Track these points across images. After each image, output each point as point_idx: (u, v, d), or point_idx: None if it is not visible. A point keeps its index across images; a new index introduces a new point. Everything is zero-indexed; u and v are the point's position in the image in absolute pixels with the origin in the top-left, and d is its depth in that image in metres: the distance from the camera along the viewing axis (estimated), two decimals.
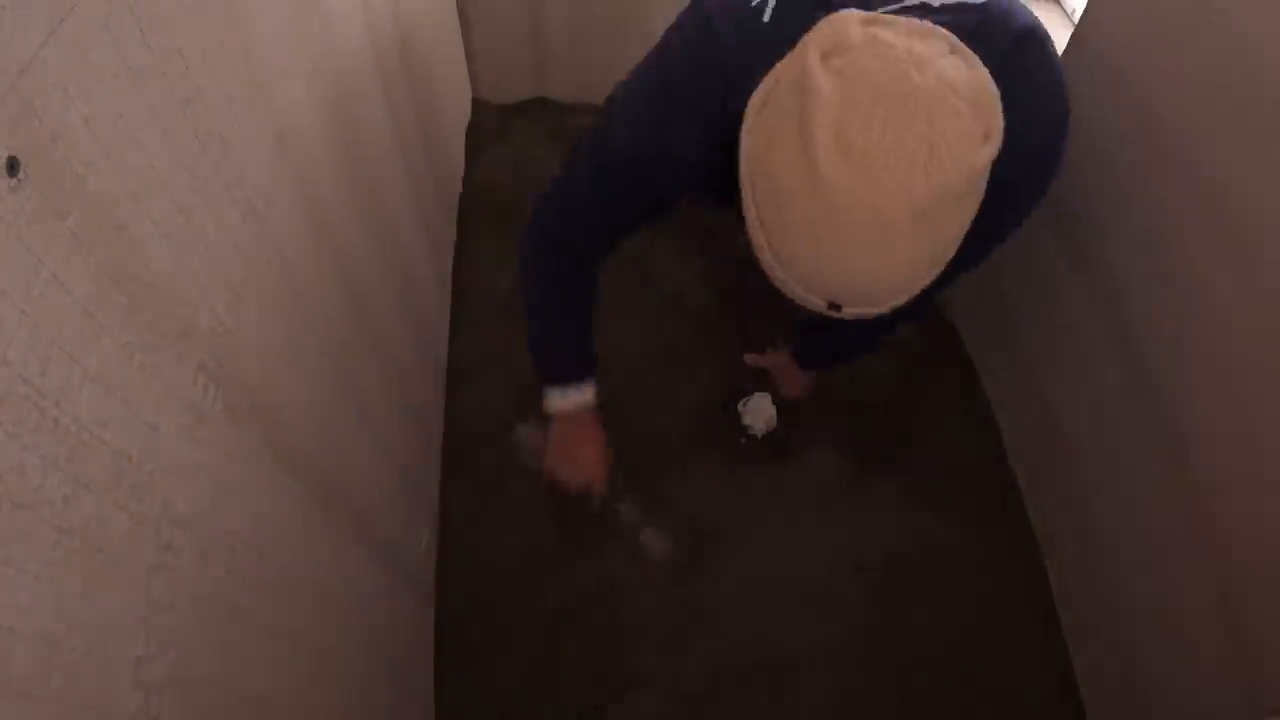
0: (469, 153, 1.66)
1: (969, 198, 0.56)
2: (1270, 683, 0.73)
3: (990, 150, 0.55)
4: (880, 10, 0.61)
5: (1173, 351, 0.86)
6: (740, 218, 0.73)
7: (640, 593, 1.10)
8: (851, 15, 0.55)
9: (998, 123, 0.55)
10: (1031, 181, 0.75)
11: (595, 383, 1.01)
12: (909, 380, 1.35)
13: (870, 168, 0.52)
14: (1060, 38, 1.10)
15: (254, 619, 0.51)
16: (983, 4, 0.66)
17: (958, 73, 0.54)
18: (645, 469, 1.22)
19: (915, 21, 0.56)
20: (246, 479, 0.51)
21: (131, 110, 0.40)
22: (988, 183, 0.59)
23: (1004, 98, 0.58)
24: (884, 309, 0.62)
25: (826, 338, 1.11)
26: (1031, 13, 0.72)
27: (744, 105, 0.62)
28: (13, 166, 0.30)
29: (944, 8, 0.65)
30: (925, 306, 0.88)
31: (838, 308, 0.63)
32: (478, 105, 1.76)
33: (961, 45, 0.56)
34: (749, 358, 1.29)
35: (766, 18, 0.65)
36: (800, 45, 0.57)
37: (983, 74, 0.55)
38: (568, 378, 1.00)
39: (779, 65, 0.59)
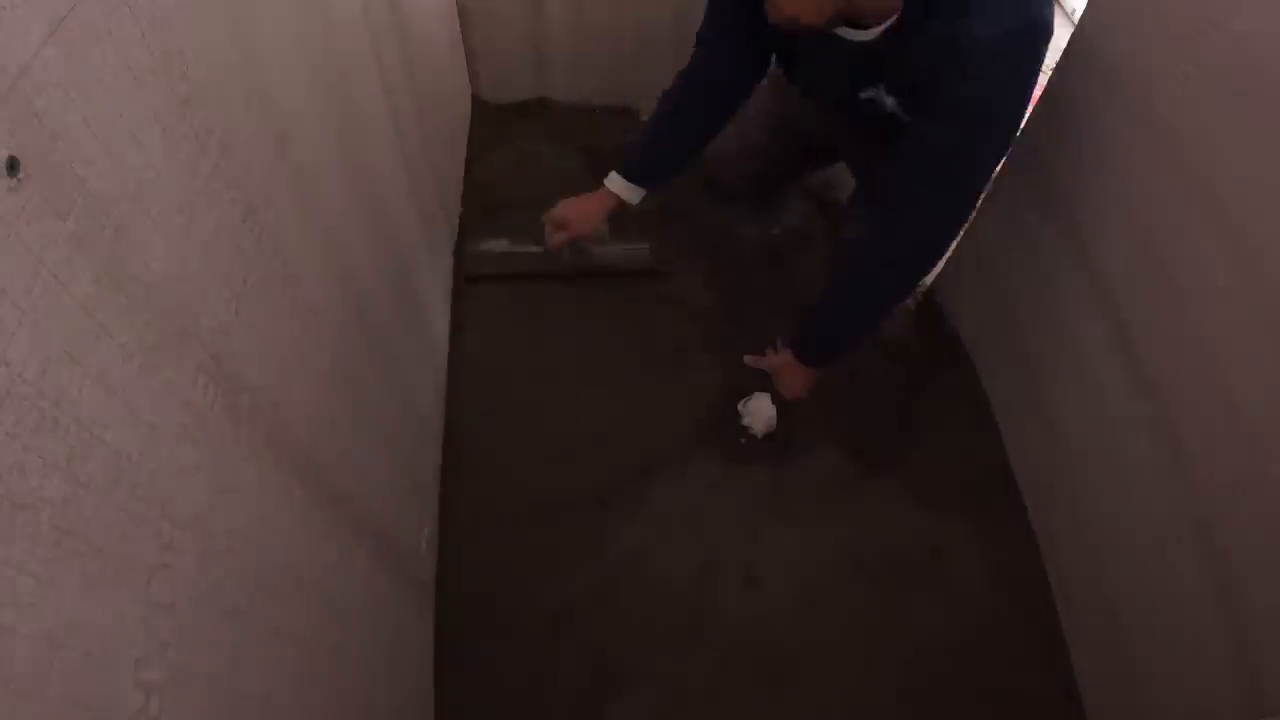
0: (469, 153, 1.66)
1: None
2: (1270, 683, 0.73)
3: None
4: None
5: (1172, 351, 0.86)
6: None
7: (640, 593, 1.10)
8: None
9: None
10: (977, 68, 0.85)
11: (645, 195, 1.22)
12: (909, 380, 1.35)
13: None
14: (1060, 38, 1.10)
15: (254, 619, 0.51)
16: None
17: None
18: (645, 468, 1.22)
19: None
20: (246, 479, 0.51)
21: (131, 110, 0.40)
22: (947, 52, 0.83)
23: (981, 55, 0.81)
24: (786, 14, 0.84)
25: (824, 320, 1.15)
26: None
27: None
28: (13, 166, 0.30)
29: None
30: (905, 269, 1.03)
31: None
32: (478, 105, 1.76)
33: None
34: (749, 359, 1.30)
35: None
36: None
37: None
38: (631, 170, 1.20)
39: None
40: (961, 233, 1.02)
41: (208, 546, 0.45)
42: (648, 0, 1.55)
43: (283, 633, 0.55)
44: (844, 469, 1.24)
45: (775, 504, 1.19)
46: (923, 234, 0.99)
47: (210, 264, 0.48)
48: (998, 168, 0.96)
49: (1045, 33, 0.84)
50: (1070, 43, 1.02)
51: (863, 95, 1.00)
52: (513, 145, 1.70)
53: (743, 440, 1.25)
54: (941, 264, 1.44)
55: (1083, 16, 1.01)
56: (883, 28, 0.91)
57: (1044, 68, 1.19)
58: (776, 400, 1.26)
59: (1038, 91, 1.13)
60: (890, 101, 0.98)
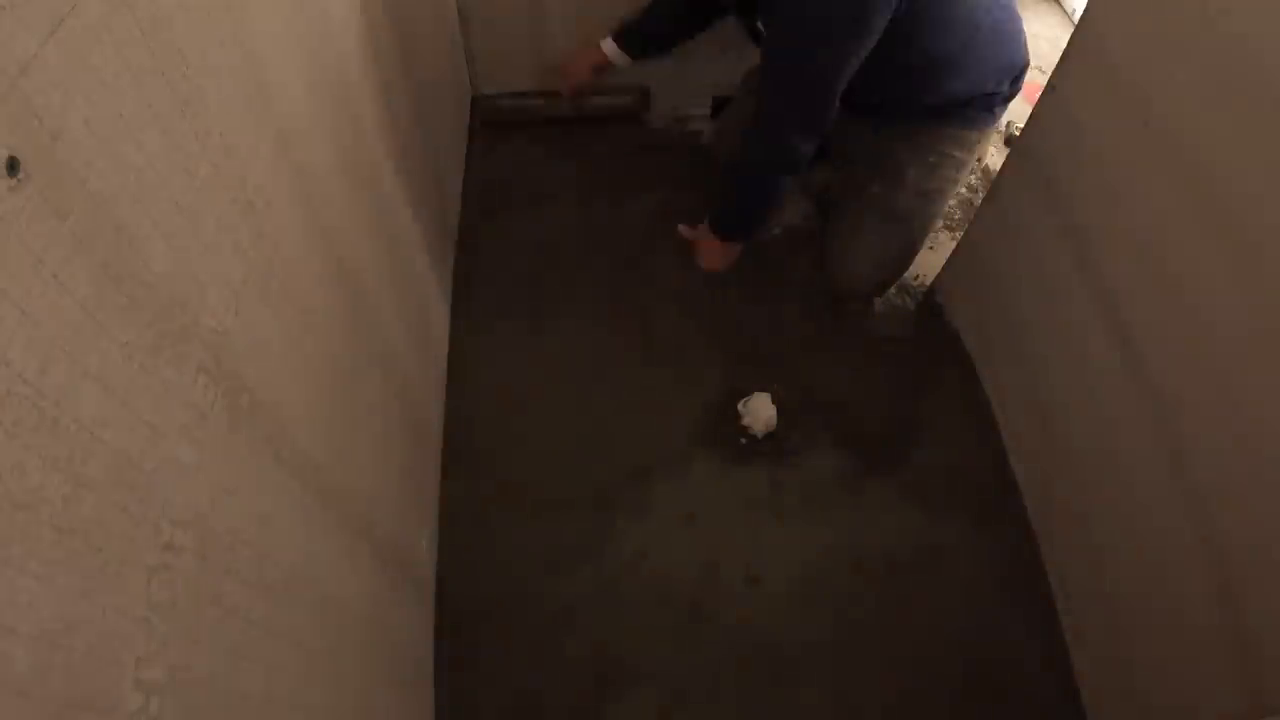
0: (469, 152, 1.66)
1: None
2: (1270, 682, 0.73)
3: None
4: None
5: (1172, 352, 0.86)
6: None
7: (641, 592, 1.10)
8: None
9: None
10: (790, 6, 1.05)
11: (629, 58, 1.48)
12: (909, 380, 1.35)
13: None
14: (1060, 38, 1.10)
15: (254, 619, 0.51)
16: None
17: None
18: (645, 469, 1.22)
19: None
20: (246, 479, 0.51)
21: (131, 110, 0.40)
22: None
23: None
24: None
25: (718, 189, 1.37)
26: None
27: None
28: (13, 166, 0.30)
29: None
30: (767, 145, 1.21)
31: None
32: (477, 102, 1.76)
33: None
34: (682, 228, 1.48)
35: None
36: None
37: None
38: (629, 39, 1.46)
39: None
40: (807, 111, 1.16)
41: (208, 546, 0.45)
42: (647, 1, 1.54)
43: (283, 633, 0.55)
44: (844, 469, 1.24)
45: (775, 504, 1.19)
46: (772, 115, 1.18)
47: (210, 264, 0.48)
48: (830, 61, 1.09)
49: None
50: (1070, 43, 1.02)
51: (759, 27, 1.21)
52: (513, 145, 1.70)
53: (743, 440, 1.25)
54: (942, 264, 1.44)
55: (1083, 16, 1.01)
56: None
57: (1044, 67, 1.20)
58: (776, 400, 1.26)
59: (1037, 92, 1.13)
60: (762, 29, 1.19)
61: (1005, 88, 1.25)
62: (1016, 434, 1.25)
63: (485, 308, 1.41)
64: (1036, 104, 1.12)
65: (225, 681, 0.47)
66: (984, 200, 1.32)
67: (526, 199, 1.59)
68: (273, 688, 0.53)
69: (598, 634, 1.06)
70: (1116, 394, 0.96)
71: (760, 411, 1.25)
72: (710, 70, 1.65)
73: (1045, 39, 1.33)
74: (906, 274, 1.46)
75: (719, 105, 1.72)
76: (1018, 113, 1.50)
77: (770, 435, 1.25)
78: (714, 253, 1.43)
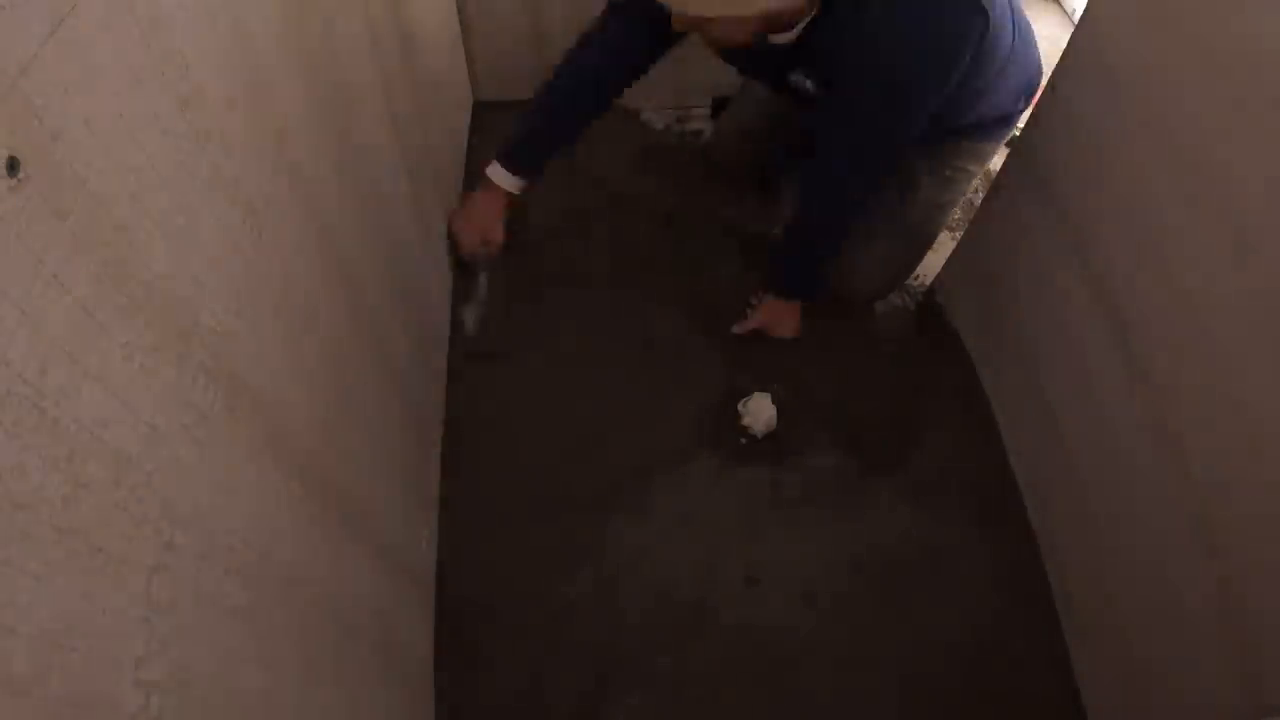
0: (469, 154, 1.66)
1: None
2: (1270, 682, 0.73)
3: None
4: None
5: (1172, 351, 0.86)
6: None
7: (640, 593, 1.10)
8: None
9: None
10: (874, 74, 0.99)
11: (527, 185, 1.24)
12: (909, 380, 1.35)
13: None
14: (1060, 37, 1.10)
15: (254, 619, 0.51)
16: None
17: None
18: (645, 469, 1.22)
19: None
20: (246, 479, 0.51)
21: (131, 110, 0.40)
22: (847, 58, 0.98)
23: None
24: (700, 6, 0.92)
25: (790, 254, 1.28)
26: None
27: None
28: (13, 166, 0.30)
29: None
30: (847, 182, 1.14)
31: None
32: (478, 106, 1.76)
33: None
34: (737, 327, 1.36)
35: None
36: None
37: None
38: (515, 161, 1.21)
39: None
40: (881, 170, 1.13)
41: (208, 546, 0.45)
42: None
43: (283, 633, 0.55)
44: (844, 469, 1.24)
45: (775, 504, 1.19)
46: (849, 181, 1.13)
47: (210, 264, 0.48)
48: (904, 126, 1.05)
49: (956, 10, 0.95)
50: (1070, 43, 1.02)
51: (791, 79, 1.13)
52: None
53: (743, 440, 1.25)
54: (942, 264, 1.44)
55: (1083, 16, 1.01)
56: (799, 27, 1.02)
57: (1043, 67, 1.20)
58: (776, 400, 1.26)
59: (1038, 92, 1.13)
60: (809, 84, 1.11)
61: (1023, 104, 1.24)
62: (1016, 434, 1.25)
63: (485, 307, 1.41)
64: (1036, 104, 1.12)
65: (225, 681, 0.47)
66: (984, 200, 1.32)
67: (527, 199, 1.59)
68: (273, 688, 0.53)
69: (598, 634, 1.06)
70: (1116, 394, 0.96)
71: (760, 411, 1.25)
72: (710, 70, 1.65)
73: (1045, 39, 1.33)
74: None
75: (719, 105, 1.72)
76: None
77: (770, 435, 1.25)
78: (791, 315, 1.34)
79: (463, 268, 1.35)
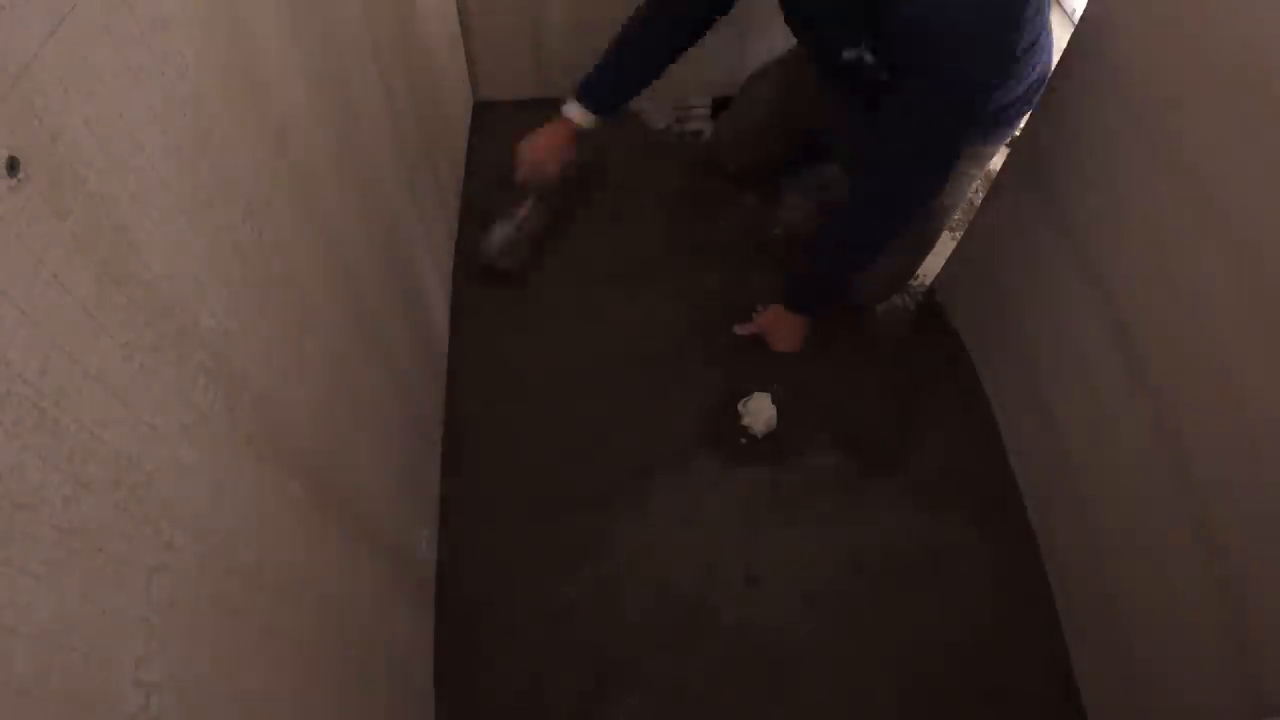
0: (469, 153, 1.66)
1: None
2: (1270, 682, 0.73)
3: None
4: None
5: (1173, 351, 0.86)
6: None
7: (640, 592, 1.10)
8: None
9: None
10: (941, 46, 0.91)
11: (601, 122, 1.27)
12: (909, 380, 1.35)
13: None
14: (1060, 38, 1.10)
15: (254, 619, 0.51)
16: None
17: None
18: (646, 469, 1.22)
19: None
20: (246, 479, 0.51)
21: (131, 110, 0.40)
22: (905, 31, 0.89)
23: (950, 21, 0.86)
24: None
25: (813, 262, 1.22)
26: None
27: None
28: (13, 166, 0.30)
29: None
30: (884, 209, 1.09)
31: None
32: (478, 106, 1.76)
33: None
34: (739, 328, 1.35)
35: None
36: None
37: None
38: (590, 96, 1.25)
39: None
40: (940, 181, 1.06)
41: (208, 546, 0.45)
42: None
43: (283, 633, 0.55)
44: (844, 469, 1.24)
45: (775, 504, 1.19)
46: (899, 175, 1.06)
47: (210, 264, 0.48)
48: (967, 123, 1.00)
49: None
50: (1070, 43, 1.02)
51: (846, 56, 1.06)
52: (513, 145, 1.70)
53: (743, 440, 1.25)
54: (942, 264, 1.44)
55: (1083, 16, 1.01)
56: None
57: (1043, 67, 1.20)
58: (776, 400, 1.26)
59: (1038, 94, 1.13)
60: (869, 57, 1.04)
61: (1027, 106, 1.21)
62: (1016, 434, 1.25)
63: (485, 308, 1.41)
64: (1036, 104, 1.12)
65: (225, 681, 0.47)
66: (984, 200, 1.32)
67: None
68: (273, 688, 0.53)
69: (598, 634, 1.06)
70: (1116, 394, 0.96)
71: (760, 411, 1.25)
72: (710, 70, 1.65)
73: None
74: None
75: (719, 105, 1.72)
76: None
77: (770, 435, 1.25)
78: (795, 330, 1.30)
79: (515, 189, 1.36)
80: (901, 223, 1.11)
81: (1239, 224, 0.75)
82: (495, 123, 1.74)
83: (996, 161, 1.38)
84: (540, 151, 1.30)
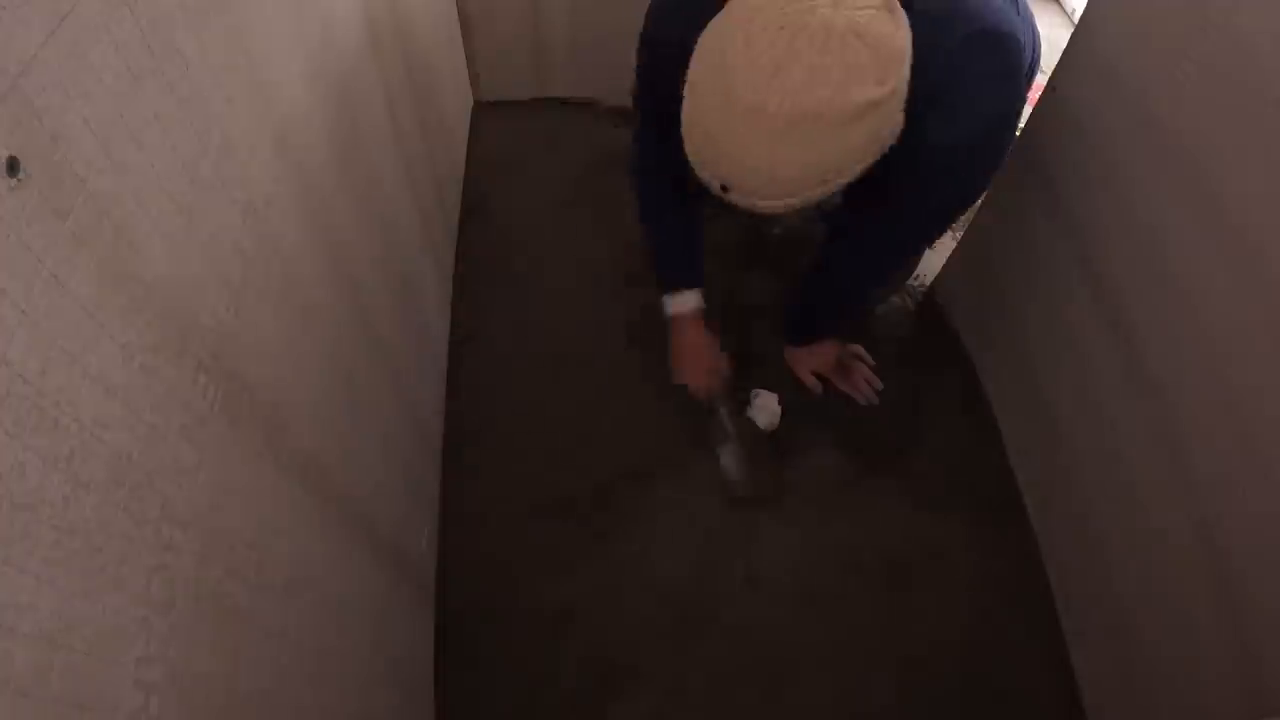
0: (469, 153, 1.66)
1: (850, 127, 0.67)
2: (1270, 682, 0.73)
3: (879, 92, 0.66)
4: None
5: (1173, 351, 0.86)
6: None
7: (640, 593, 1.10)
8: None
9: (897, 73, 0.66)
10: (965, 161, 0.87)
11: (700, 291, 1.19)
12: (909, 380, 1.35)
13: (761, 73, 0.64)
14: (1060, 38, 1.10)
15: (254, 619, 0.51)
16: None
17: (874, 24, 0.65)
18: (645, 469, 1.22)
19: None
20: (246, 479, 0.51)
21: (131, 110, 0.40)
22: (930, 154, 0.79)
23: (945, 85, 0.75)
24: (770, 203, 0.74)
25: (804, 305, 1.23)
26: (1007, 17, 0.80)
27: None
28: (13, 166, 0.30)
29: None
30: (884, 265, 1.11)
31: (726, 190, 0.75)
32: (478, 106, 1.76)
33: (898, 6, 0.67)
34: (814, 388, 1.30)
35: None
36: None
37: (901, 32, 0.66)
38: (674, 284, 1.19)
39: None
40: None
41: (208, 546, 0.45)
42: (647, 1, 1.55)
43: (283, 633, 0.55)
44: (844, 469, 1.24)
45: (775, 504, 1.19)
46: (921, 233, 1.06)
47: (210, 264, 0.48)
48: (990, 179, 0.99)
49: (1008, 51, 0.80)
50: (1070, 43, 1.02)
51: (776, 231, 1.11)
52: (513, 145, 1.70)
53: None
54: (942, 264, 1.44)
55: (1083, 16, 1.01)
56: None
57: (1044, 67, 1.20)
58: (778, 400, 1.26)
59: (1036, 93, 1.13)
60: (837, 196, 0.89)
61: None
62: (1016, 434, 1.25)
63: (485, 308, 1.41)
64: (1036, 104, 1.12)
65: (225, 681, 0.47)
66: (984, 200, 1.32)
67: (528, 200, 1.59)
68: (273, 688, 0.53)
69: (598, 634, 1.06)
70: (1116, 394, 0.96)
71: (761, 411, 1.25)
72: None
73: (1045, 39, 1.33)
74: None
75: None
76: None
77: (771, 435, 1.25)
78: (829, 355, 1.28)
79: (706, 413, 1.25)
80: (914, 252, 1.13)
81: (1239, 222, 0.75)
82: (495, 123, 1.74)
83: None
84: (700, 364, 1.22)
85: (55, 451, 0.33)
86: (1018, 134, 1.12)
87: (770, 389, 1.27)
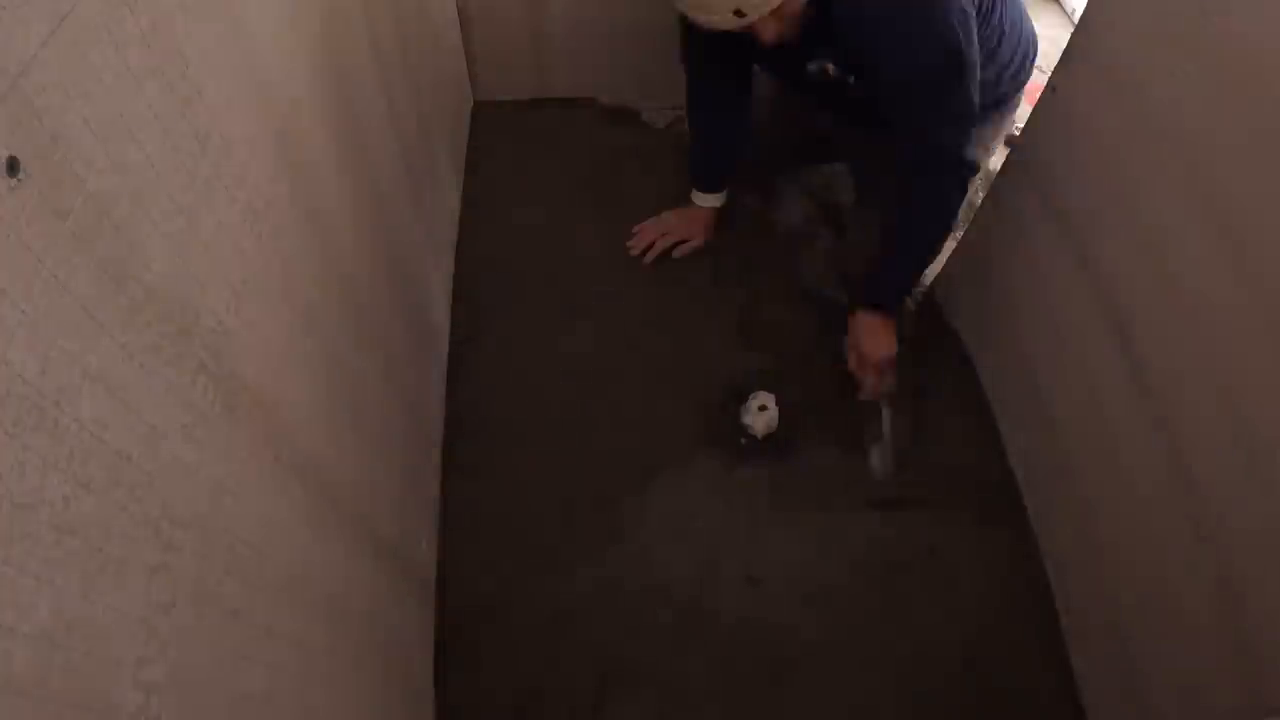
0: (469, 153, 1.66)
1: None
2: (1270, 682, 0.73)
3: None
4: None
5: (1172, 351, 0.86)
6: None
7: (640, 593, 1.10)
8: None
9: None
10: (929, 82, 1.05)
11: (724, 192, 1.46)
12: (909, 380, 1.35)
13: None
14: (1060, 38, 1.10)
15: (254, 619, 0.51)
16: None
17: None
18: (646, 469, 1.22)
19: None
20: (246, 479, 0.51)
21: (131, 110, 0.40)
22: (891, 89, 1.07)
23: (877, 26, 1.01)
24: (715, 16, 1.00)
25: (893, 265, 1.23)
26: None
27: None
28: (13, 166, 0.30)
29: None
30: (940, 190, 1.14)
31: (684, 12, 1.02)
32: (478, 106, 1.76)
33: None
34: (861, 394, 1.27)
35: None
36: None
37: None
38: (703, 184, 1.45)
39: None
40: (971, 123, 1.09)
41: (208, 546, 0.45)
42: (647, 0, 1.55)
43: (283, 633, 0.55)
44: (844, 469, 1.24)
45: (775, 504, 1.19)
46: (936, 145, 1.10)
47: (210, 264, 0.48)
48: (971, 79, 1.05)
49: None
50: (1070, 43, 1.02)
51: (810, 68, 1.17)
52: (513, 145, 1.70)
53: (742, 440, 1.25)
54: (942, 265, 1.44)
55: (1083, 16, 1.01)
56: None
57: (1044, 67, 1.20)
58: (777, 400, 1.26)
59: (1036, 93, 1.13)
60: (832, 69, 1.15)
61: (1018, 79, 1.28)
62: (1016, 434, 1.25)
63: (485, 308, 1.41)
64: (1036, 104, 1.12)
65: (225, 681, 0.47)
66: (984, 200, 1.32)
67: (528, 201, 1.59)
68: (273, 688, 0.53)
69: (598, 634, 1.06)
70: (1116, 394, 0.96)
71: (761, 412, 1.25)
72: None
73: (1045, 39, 1.33)
74: None
75: None
76: (1018, 113, 1.50)
77: (770, 435, 1.25)
78: (890, 331, 1.24)
79: (864, 410, 1.27)
80: (964, 178, 1.13)
81: (1239, 222, 0.75)
82: (495, 123, 1.74)
83: (996, 161, 1.38)
84: (680, 227, 1.50)
85: (55, 451, 0.33)
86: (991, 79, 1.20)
87: (764, 388, 1.27)
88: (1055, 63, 1.06)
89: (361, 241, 0.84)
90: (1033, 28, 1.27)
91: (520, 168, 1.65)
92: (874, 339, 1.23)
